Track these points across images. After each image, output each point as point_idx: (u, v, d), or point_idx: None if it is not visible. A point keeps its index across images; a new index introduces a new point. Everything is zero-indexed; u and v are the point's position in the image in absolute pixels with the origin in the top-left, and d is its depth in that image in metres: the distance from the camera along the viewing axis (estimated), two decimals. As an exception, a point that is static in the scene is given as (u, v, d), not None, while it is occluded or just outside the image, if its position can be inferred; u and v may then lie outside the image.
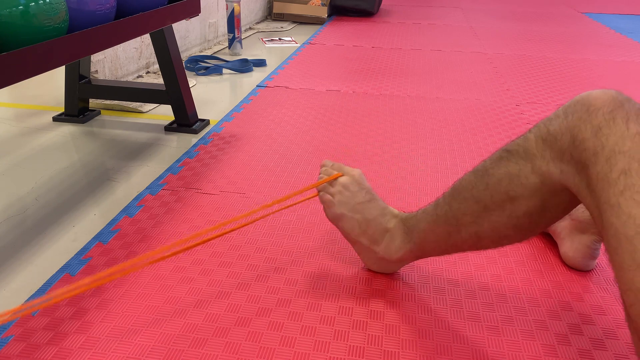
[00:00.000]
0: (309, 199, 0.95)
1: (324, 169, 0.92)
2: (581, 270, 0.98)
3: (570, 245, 0.97)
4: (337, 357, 0.77)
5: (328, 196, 0.89)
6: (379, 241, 0.89)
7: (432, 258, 0.98)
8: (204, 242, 0.84)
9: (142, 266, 0.77)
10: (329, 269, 0.97)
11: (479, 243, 0.75)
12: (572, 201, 0.66)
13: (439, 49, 2.79)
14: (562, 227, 1.00)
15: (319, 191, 0.91)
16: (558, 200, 0.66)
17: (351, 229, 0.89)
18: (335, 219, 0.90)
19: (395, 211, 0.90)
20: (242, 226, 0.91)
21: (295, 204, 0.96)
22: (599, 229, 0.58)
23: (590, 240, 0.95)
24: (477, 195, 0.72)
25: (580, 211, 0.95)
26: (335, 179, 0.89)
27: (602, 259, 1.01)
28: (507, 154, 0.70)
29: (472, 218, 0.73)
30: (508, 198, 0.68)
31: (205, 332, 0.81)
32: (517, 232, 0.71)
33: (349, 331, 0.82)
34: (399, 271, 0.96)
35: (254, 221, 0.93)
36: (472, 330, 0.83)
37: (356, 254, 0.96)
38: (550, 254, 1.03)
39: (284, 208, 1.02)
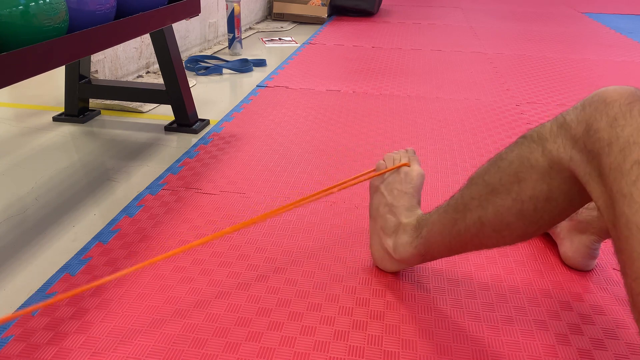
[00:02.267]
0: (361, 181, 0.97)
1: (394, 154, 0.95)
2: (581, 270, 0.98)
3: (570, 246, 0.97)
4: (337, 357, 0.77)
5: (383, 164, 0.95)
6: (390, 233, 0.91)
7: (432, 258, 0.98)
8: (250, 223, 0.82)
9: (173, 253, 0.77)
10: (329, 269, 0.97)
11: (481, 231, 0.74)
12: (578, 195, 0.66)
13: (439, 49, 2.79)
14: (561, 227, 1.00)
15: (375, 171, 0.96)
16: (564, 189, 0.66)
17: (377, 205, 0.94)
18: (372, 188, 0.97)
19: (421, 213, 0.90)
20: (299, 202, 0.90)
21: (354, 183, 0.97)
22: (608, 219, 0.58)
23: (590, 240, 0.95)
24: (487, 179, 0.73)
25: (580, 212, 0.95)
26: (399, 167, 0.93)
27: (602, 259, 1.01)
28: (522, 139, 0.71)
29: (479, 202, 0.74)
30: (516, 180, 0.69)
31: (205, 332, 0.81)
32: (519, 219, 0.70)
33: (349, 331, 0.82)
34: (399, 271, 0.96)
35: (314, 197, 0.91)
36: (472, 330, 0.83)
37: (354, 253, 0.96)
38: (550, 254, 1.03)
39: (346, 184, 0.98)
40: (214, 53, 2.69)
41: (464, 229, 0.77)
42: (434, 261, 0.99)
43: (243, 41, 2.87)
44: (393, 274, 0.95)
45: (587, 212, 0.95)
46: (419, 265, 0.97)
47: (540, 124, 0.70)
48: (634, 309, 0.54)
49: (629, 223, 0.53)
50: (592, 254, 0.96)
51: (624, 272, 0.55)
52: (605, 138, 0.58)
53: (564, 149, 0.64)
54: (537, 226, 0.71)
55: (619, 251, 0.56)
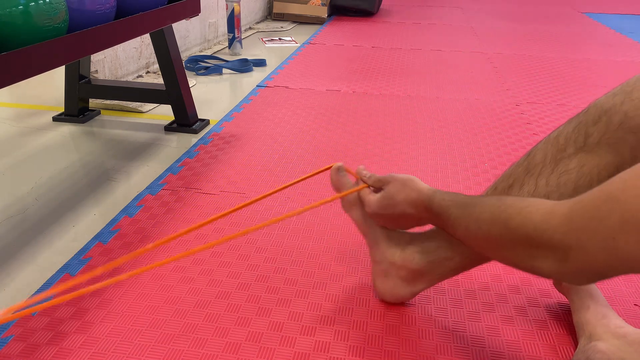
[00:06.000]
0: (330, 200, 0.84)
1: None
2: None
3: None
4: (337, 357, 0.77)
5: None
6: (404, 244, 0.82)
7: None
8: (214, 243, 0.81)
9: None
10: (329, 269, 0.97)
11: None
12: None
13: (439, 49, 2.79)
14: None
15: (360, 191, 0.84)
16: None
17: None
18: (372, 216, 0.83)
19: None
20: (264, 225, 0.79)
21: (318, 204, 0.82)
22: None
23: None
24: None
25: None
26: (360, 190, 0.83)
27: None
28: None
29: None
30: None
31: (205, 332, 0.81)
32: None
33: (349, 331, 0.82)
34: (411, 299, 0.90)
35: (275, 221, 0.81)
36: (472, 330, 0.83)
37: (354, 253, 0.96)
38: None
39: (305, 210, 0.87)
40: (214, 53, 2.69)
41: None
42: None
43: (243, 41, 2.87)
44: (393, 274, 0.95)
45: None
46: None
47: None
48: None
49: None
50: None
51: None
52: None
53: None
54: None
55: None
